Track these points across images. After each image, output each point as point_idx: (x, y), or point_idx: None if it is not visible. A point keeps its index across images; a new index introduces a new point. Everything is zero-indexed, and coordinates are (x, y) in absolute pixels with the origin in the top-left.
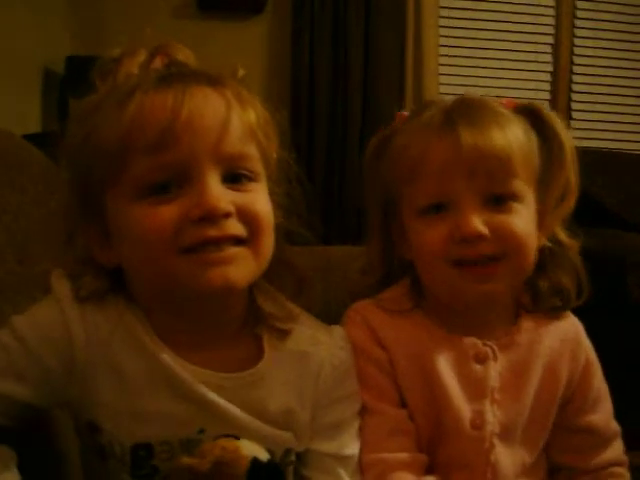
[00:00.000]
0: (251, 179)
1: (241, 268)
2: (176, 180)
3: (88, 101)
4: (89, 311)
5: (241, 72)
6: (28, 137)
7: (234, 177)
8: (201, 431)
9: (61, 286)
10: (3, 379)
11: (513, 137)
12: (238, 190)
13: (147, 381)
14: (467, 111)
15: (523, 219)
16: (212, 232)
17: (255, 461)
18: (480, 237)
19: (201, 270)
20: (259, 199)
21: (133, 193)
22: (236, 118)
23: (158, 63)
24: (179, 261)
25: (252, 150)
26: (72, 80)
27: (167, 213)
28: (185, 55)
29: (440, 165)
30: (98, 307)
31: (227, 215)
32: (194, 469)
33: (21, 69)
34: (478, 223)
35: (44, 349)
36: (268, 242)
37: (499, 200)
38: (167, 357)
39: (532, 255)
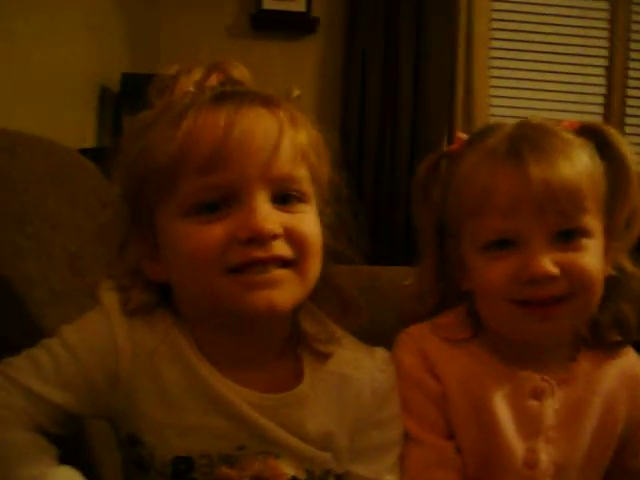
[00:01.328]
0: (301, 200)
1: (286, 292)
2: (225, 199)
3: (143, 117)
4: (136, 325)
5: (296, 92)
6: (83, 151)
7: (284, 197)
8: (241, 448)
9: (109, 298)
10: (52, 387)
11: (582, 168)
12: (287, 211)
13: (190, 396)
14: (533, 140)
15: (593, 256)
16: (259, 253)
17: (294, 479)
18: (550, 278)
19: (246, 292)
20: (308, 221)
21: (182, 210)
22: (287, 139)
23: (214, 80)
24: (225, 281)
25: (302, 172)
26: (127, 97)
27: (215, 232)
28: (241, 73)
29: (507, 200)
30: (145, 321)
31: (275, 237)
32: None
33: (78, 86)
34: (548, 263)
35: (90, 361)
36: (315, 265)
37: (568, 236)
38: (210, 375)
39: (600, 291)
